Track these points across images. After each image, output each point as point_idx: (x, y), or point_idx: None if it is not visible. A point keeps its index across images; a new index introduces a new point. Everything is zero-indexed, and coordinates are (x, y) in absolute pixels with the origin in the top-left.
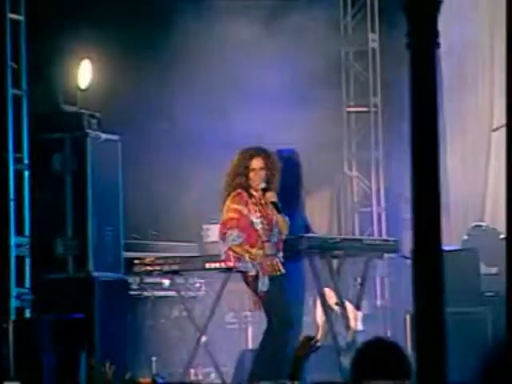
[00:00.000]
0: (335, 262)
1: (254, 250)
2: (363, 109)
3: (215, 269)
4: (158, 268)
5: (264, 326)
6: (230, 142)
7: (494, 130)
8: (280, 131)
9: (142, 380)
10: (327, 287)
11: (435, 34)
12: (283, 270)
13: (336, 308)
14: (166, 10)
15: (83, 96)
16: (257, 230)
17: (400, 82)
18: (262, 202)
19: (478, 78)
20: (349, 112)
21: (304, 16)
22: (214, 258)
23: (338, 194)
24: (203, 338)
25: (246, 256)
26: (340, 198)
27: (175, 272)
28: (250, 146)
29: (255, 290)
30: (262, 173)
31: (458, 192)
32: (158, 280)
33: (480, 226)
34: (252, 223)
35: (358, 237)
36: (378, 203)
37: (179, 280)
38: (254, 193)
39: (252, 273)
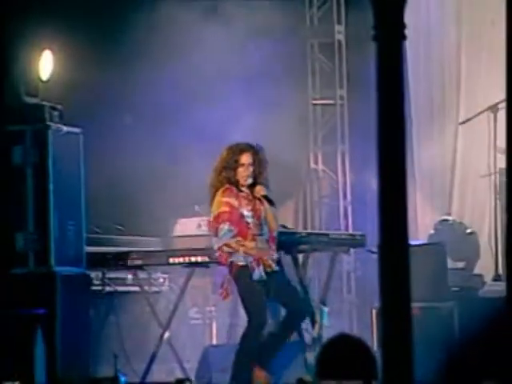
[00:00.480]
0: (301, 257)
1: (247, 243)
2: (329, 101)
3: (179, 264)
4: (120, 263)
5: (227, 321)
6: (194, 135)
7: (462, 123)
8: (244, 124)
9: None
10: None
11: (402, 25)
12: (275, 268)
13: None
14: (128, 1)
15: (45, 88)
16: (248, 223)
17: (366, 75)
18: (250, 197)
19: (445, 68)
20: (315, 104)
21: (269, 7)
22: (178, 252)
23: (303, 187)
24: (166, 334)
25: (241, 250)
26: (306, 192)
27: (138, 267)
28: (239, 142)
29: (236, 279)
30: (251, 168)
31: (424, 186)
32: (120, 275)
33: (447, 220)
34: (243, 216)
35: (324, 231)
36: (345, 197)
37: (142, 275)
38: (242, 188)
39: (241, 263)
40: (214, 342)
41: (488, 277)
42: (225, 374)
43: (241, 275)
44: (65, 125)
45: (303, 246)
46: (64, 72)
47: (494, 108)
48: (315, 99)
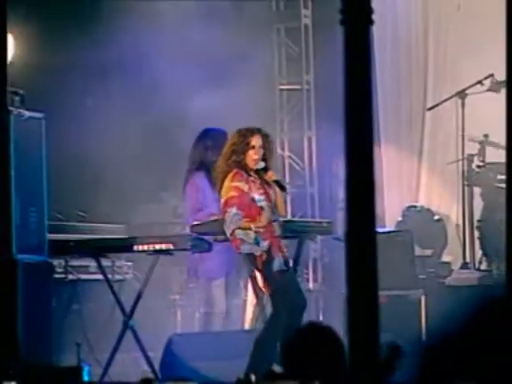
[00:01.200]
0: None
1: (256, 223)
2: (296, 87)
3: (143, 251)
4: (83, 250)
5: (192, 310)
6: (157, 119)
7: (430, 109)
8: (210, 110)
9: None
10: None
11: (369, 9)
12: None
13: (268, 290)
14: None
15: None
16: (262, 208)
17: (334, 60)
18: (260, 181)
19: (412, 54)
20: (281, 90)
21: None
22: (142, 240)
23: None
24: (130, 323)
25: (252, 231)
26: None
27: (102, 254)
28: (248, 126)
29: (268, 273)
30: (261, 151)
31: (391, 172)
32: (83, 263)
33: (415, 206)
34: (253, 200)
35: (290, 218)
36: (311, 184)
37: (106, 263)
38: (251, 172)
39: (259, 253)
40: (179, 330)
41: (456, 265)
42: (190, 363)
43: (264, 266)
44: (26, 110)
45: None
46: (25, 56)
47: (461, 94)
48: (282, 84)
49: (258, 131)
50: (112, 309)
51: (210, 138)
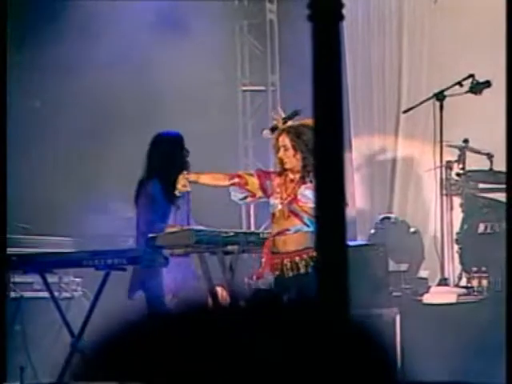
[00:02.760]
0: (228, 259)
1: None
2: (260, 88)
3: (93, 266)
4: (27, 266)
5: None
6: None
7: (405, 112)
8: (166, 112)
9: None
10: (219, 286)
11: (339, 4)
12: None
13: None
14: None
15: None
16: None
17: (301, 58)
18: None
19: (385, 52)
20: (244, 91)
21: None
22: (92, 254)
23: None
24: (79, 345)
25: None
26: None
27: (47, 270)
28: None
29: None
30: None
31: (363, 180)
32: (27, 279)
33: (388, 218)
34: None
35: (254, 230)
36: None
37: (52, 279)
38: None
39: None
40: None
41: (433, 280)
42: None
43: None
44: None
45: (231, 247)
46: None
47: (439, 95)
48: (244, 85)
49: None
50: (58, 329)
51: (164, 143)
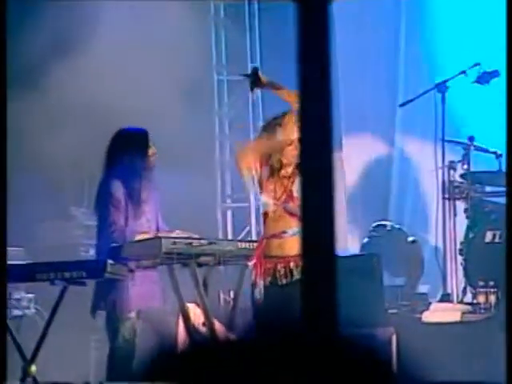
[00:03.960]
0: (202, 271)
1: None
2: (238, 77)
3: (47, 280)
4: None
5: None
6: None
7: (402, 105)
8: (131, 105)
9: None
10: (192, 303)
11: None
12: None
13: (203, 329)
14: None
15: None
16: None
17: (285, 45)
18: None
19: (382, 38)
20: (220, 81)
21: None
22: (46, 266)
23: (205, 184)
24: (33, 368)
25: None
26: (208, 190)
27: None
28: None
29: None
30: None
31: (356, 184)
32: None
33: (383, 225)
34: None
35: (231, 239)
36: (257, 197)
37: None
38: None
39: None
40: (92, 376)
41: (434, 296)
42: None
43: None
44: None
45: (205, 258)
46: None
47: (441, 87)
48: (221, 75)
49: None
50: (9, 352)
51: (128, 139)
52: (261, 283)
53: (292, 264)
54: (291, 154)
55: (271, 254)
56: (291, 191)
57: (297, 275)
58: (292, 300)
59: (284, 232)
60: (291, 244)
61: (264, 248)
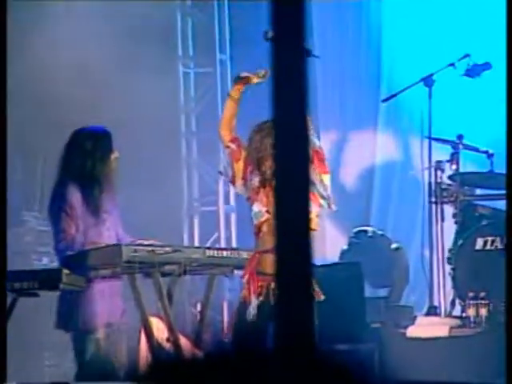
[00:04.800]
0: (166, 281)
1: None
2: (206, 69)
3: None
4: None
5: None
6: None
7: (385, 100)
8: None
9: None
10: (155, 316)
11: None
12: None
13: (167, 345)
14: None
15: None
16: None
17: (256, 34)
18: None
19: (361, 31)
20: (186, 73)
21: None
22: None
23: (170, 185)
24: None
25: None
26: (173, 192)
27: None
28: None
29: None
30: None
31: (334, 186)
32: None
33: (365, 231)
34: None
35: (198, 246)
36: (227, 200)
37: None
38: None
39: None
40: None
41: (420, 309)
42: None
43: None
44: None
45: (169, 267)
46: None
47: (428, 80)
48: (186, 67)
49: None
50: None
51: (87, 139)
52: (254, 301)
53: None
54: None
55: (265, 271)
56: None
57: None
58: None
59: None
60: None
61: (256, 264)
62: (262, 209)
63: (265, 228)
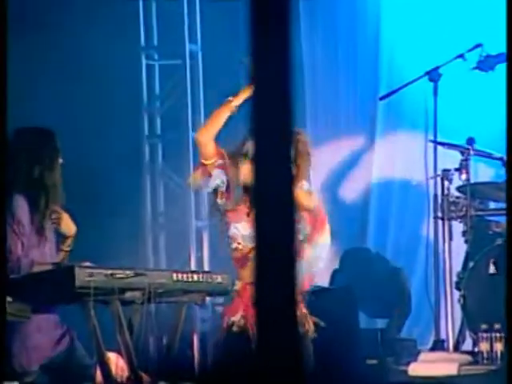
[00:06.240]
0: (126, 310)
1: None
2: (173, 61)
3: None
4: None
5: None
6: None
7: (383, 98)
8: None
9: None
10: (113, 351)
11: None
12: None
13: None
14: None
15: None
16: None
17: (232, 22)
18: None
19: (356, 22)
20: (150, 66)
21: None
22: None
23: (131, 198)
24: None
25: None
26: (134, 206)
27: None
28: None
29: None
30: None
31: (325, 200)
32: None
33: (360, 250)
34: None
35: (164, 269)
36: (198, 215)
37: None
38: None
39: None
40: None
41: (424, 343)
42: None
43: None
44: None
45: (131, 293)
46: None
47: (433, 74)
48: (151, 59)
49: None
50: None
51: (33, 141)
52: (254, 338)
53: None
54: None
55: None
56: None
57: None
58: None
59: None
60: None
61: (250, 293)
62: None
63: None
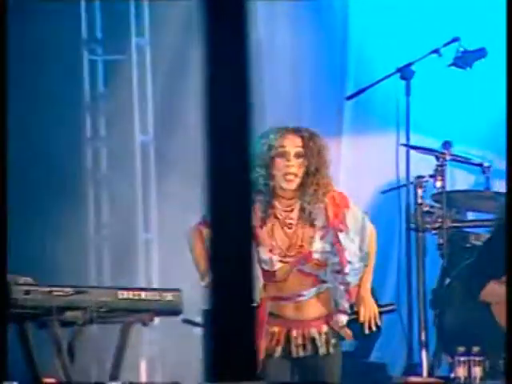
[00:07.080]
0: (66, 333)
1: None
2: (118, 56)
3: None
4: None
5: None
6: None
7: (350, 98)
8: None
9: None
10: (52, 377)
11: None
12: None
13: None
14: None
15: None
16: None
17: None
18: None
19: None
20: (92, 61)
21: None
22: None
23: (71, 207)
24: None
25: None
26: (75, 216)
27: None
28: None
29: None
30: (299, 160)
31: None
32: None
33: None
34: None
35: (108, 286)
36: (146, 228)
37: None
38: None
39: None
40: None
41: (395, 368)
42: None
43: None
44: None
45: (71, 313)
46: None
47: (405, 71)
48: (94, 54)
49: (294, 130)
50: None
51: None
52: (278, 350)
53: (314, 330)
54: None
55: (282, 315)
56: (306, 248)
57: (321, 346)
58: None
59: (300, 295)
60: (312, 304)
61: (267, 308)
62: (272, 256)
63: (279, 275)
